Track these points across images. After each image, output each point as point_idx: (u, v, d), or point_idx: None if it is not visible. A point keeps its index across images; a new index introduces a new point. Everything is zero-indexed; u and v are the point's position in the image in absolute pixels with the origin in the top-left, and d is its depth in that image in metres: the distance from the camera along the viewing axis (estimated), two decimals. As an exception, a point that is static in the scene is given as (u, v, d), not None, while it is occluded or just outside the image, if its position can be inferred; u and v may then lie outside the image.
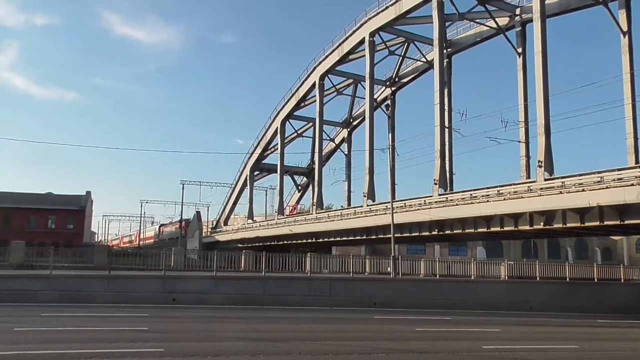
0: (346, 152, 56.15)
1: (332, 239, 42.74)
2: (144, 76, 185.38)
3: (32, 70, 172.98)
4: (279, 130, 55.40)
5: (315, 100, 49.77)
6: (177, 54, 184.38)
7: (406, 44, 45.02)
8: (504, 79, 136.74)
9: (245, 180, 62.28)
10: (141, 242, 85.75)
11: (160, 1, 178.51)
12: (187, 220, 69.96)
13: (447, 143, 35.91)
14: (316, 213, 45.49)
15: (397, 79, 48.41)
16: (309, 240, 44.48)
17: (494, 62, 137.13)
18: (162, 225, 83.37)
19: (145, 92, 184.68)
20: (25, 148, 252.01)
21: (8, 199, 58.25)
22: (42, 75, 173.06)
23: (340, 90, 52.88)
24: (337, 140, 57.39)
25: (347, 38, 43.79)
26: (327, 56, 46.91)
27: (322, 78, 48.15)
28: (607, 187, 22.20)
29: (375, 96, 45.19)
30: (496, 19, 35.42)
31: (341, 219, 40.41)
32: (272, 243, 48.67)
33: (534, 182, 27.26)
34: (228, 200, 66.67)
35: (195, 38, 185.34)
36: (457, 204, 29.76)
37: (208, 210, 74.25)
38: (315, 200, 47.18)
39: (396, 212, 30.26)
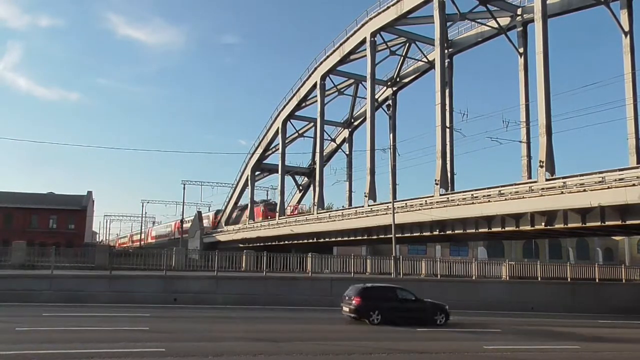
0: (347, 152, 56.08)
1: (334, 239, 42.74)
2: (147, 77, 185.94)
3: (36, 71, 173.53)
4: (280, 130, 55.34)
5: (316, 100, 49.72)
6: (179, 54, 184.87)
7: (407, 44, 44.99)
8: (505, 79, 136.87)
9: (247, 180, 62.23)
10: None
11: (163, 2, 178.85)
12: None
13: (448, 143, 35.86)
14: (317, 213, 45.47)
15: (398, 79, 48.37)
16: (310, 241, 44.45)
17: (495, 62, 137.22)
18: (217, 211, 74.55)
19: (148, 92, 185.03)
20: (27, 148, 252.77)
21: (9, 199, 58.35)
22: (45, 76, 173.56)
23: (342, 90, 52.81)
24: (338, 141, 57.33)
25: (348, 38, 43.76)
26: (328, 56, 46.87)
27: (323, 78, 48.10)
28: (608, 188, 22.19)
29: (376, 96, 45.13)
30: (497, 19, 35.40)
31: (342, 219, 40.39)
32: (273, 243, 48.67)
33: (535, 182, 27.22)
34: (229, 200, 66.68)
35: (197, 39, 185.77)
36: (458, 204, 29.74)
37: (209, 210, 74.27)
38: (316, 200, 47.14)
39: (397, 213, 30.24)
